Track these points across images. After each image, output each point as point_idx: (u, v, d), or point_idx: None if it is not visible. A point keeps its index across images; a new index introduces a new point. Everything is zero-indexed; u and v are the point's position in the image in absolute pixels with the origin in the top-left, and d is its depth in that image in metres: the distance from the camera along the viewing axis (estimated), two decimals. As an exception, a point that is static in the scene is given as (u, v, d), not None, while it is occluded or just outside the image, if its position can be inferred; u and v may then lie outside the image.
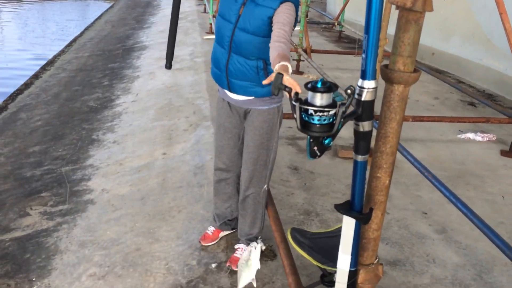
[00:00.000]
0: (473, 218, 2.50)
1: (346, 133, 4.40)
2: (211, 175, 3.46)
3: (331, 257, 1.58)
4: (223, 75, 2.14)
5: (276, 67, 1.59)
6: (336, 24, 9.11)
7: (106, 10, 14.83)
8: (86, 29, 11.49)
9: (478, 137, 4.45)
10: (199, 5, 12.79)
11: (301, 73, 6.42)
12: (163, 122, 4.63)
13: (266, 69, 2.08)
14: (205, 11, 11.45)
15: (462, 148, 4.25)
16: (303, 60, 6.25)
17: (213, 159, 3.58)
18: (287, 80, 1.35)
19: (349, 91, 0.92)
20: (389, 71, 1.02)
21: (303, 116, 0.93)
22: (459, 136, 4.51)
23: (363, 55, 0.92)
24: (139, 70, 6.81)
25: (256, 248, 1.90)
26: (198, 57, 7.09)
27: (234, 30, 2.04)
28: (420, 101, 5.58)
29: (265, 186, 2.36)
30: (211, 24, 8.80)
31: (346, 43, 9.02)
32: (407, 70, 1.02)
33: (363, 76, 0.94)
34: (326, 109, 0.90)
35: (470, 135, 4.48)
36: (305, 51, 6.29)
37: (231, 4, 2.04)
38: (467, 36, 6.84)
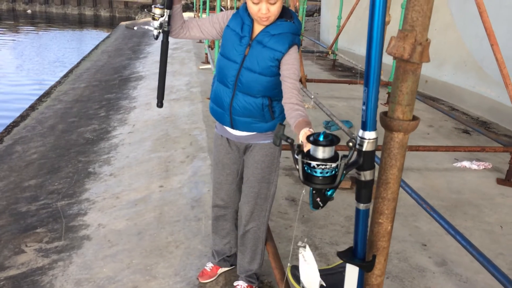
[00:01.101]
0: (472, 250, 2.49)
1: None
2: (208, 208, 3.44)
3: (332, 297, 1.56)
4: (226, 113, 2.17)
5: (302, 133, 1.65)
6: (330, 52, 9.25)
7: (103, 40, 15.02)
8: (83, 59, 11.59)
9: (474, 166, 4.47)
10: (194, 35, 12.97)
11: (297, 102, 6.47)
12: (160, 154, 4.63)
13: (271, 106, 2.13)
14: (200, 41, 11.61)
15: (458, 176, 4.26)
16: (298, 90, 6.31)
17: (210, 192, 3.57)
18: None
19: (350, 144, 0.93)
20: (389, 119, 1.03)
21: (306, 168, 0.93)
22: (454, 164, 4.54)
23: (363, 107, 0.94)
24: (136, 101, 6.85)
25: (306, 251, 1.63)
26: (194, 87, 7.15)
27: (240, 70, 2.08)
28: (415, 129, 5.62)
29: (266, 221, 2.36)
30: (206, 54, 8.91)
31: (340, 71, 9.15)
32: (406, 119, 1.03)
33: (364, 127, 0.95)
34: (328, 163, 0.91)
35: (466, 164, 4.51)
36: (300, 80, 6.35)
37: (235, 45, 2.08)
38: (459, 64, 6.96)
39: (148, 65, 9.42)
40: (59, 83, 8.89)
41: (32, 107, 7.19)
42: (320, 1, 15.07)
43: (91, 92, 7.81)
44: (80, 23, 23.26)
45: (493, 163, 4.56)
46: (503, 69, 3.64)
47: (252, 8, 1.98)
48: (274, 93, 2.10)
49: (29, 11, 24.65)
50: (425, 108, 6.52)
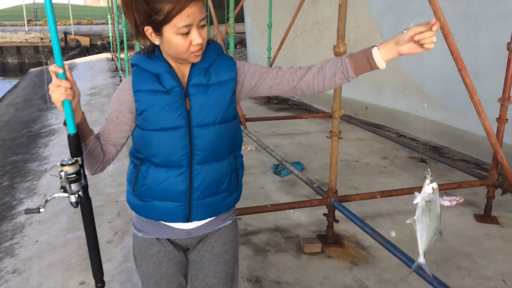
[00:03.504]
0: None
1: (305, 217, 3.75)
2: (149, 311, 2.60)
3: None
4: (182, 203, 1.46)
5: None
6: (262, 85, 8.75)
7: (9, 91, 13.50)
8: (-16, 115, 10.15)
9: (446, 202, 4.01)
10: (113, 77, 12.00)
11: (237, 145, 5.80)
12: (80, 233, 3.68)
13: (236, 167, 1.54)
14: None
15: (434, 218, 3.75)
16: (238, 131, 5.66)
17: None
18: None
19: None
20: None
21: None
22: (425, 202, 4.05)
23: None
24: (47, 162, 5.79)
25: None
26: (118, 138, 6.23)
27: (190, 132, 1.39)
28: (371, 163, 5.15)
29: None
30: (129, 98, 8.03)
31: (276, 104, 8.66)
32: None
33: None
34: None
35: (437, 200, 4.04)
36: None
37: (167, 105, 1.38)
38: (398, 88, 6.70)
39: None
40: (-47, 147, 7.52)
41: None
42: (243, 32, 14.80)
43: (-7, 155, 6.60)
44: (-16, 72, 21.28)
45: (463, 194, 4.14)
46: (474, 95, 3.22)
47: (181, 45, 1.30)
48: (238, 142, 1.54)
49: None
50: (373, 137, 6.12)
